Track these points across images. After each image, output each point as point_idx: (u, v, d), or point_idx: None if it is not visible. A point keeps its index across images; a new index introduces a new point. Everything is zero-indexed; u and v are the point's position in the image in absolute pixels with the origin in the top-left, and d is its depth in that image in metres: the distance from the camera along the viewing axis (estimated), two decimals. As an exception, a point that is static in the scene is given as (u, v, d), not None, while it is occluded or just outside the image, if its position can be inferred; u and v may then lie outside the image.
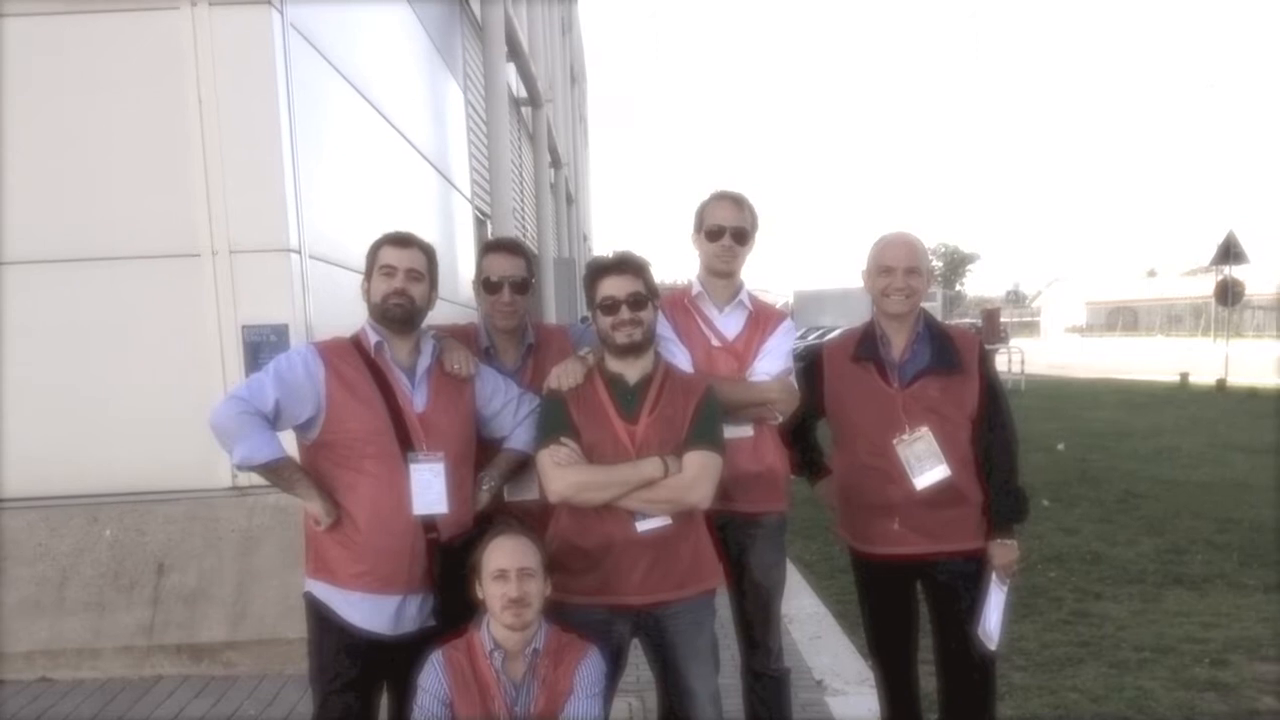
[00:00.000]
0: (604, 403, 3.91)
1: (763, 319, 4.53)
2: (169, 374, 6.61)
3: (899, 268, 4.28)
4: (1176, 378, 30.47)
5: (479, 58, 14.19)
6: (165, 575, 6.60)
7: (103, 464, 6.72)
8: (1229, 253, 28.68)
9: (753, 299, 4.59)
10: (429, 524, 3.88)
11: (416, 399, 3.95)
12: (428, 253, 4.06)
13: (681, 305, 4.52)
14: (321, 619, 3.91)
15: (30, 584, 6.54)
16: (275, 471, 3.79)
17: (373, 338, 3.95)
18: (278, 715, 5.92)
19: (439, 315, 4.26)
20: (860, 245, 4.60)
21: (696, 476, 3.82)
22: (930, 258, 4.71)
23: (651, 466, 3.78)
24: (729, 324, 4.50)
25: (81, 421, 6.69)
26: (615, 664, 3.99)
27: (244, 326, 6.53)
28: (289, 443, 3.89)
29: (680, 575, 3.93)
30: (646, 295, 3.90)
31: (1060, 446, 16.25)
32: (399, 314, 3.91)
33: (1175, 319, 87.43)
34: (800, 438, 4.71)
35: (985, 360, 4.42)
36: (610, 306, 3.86)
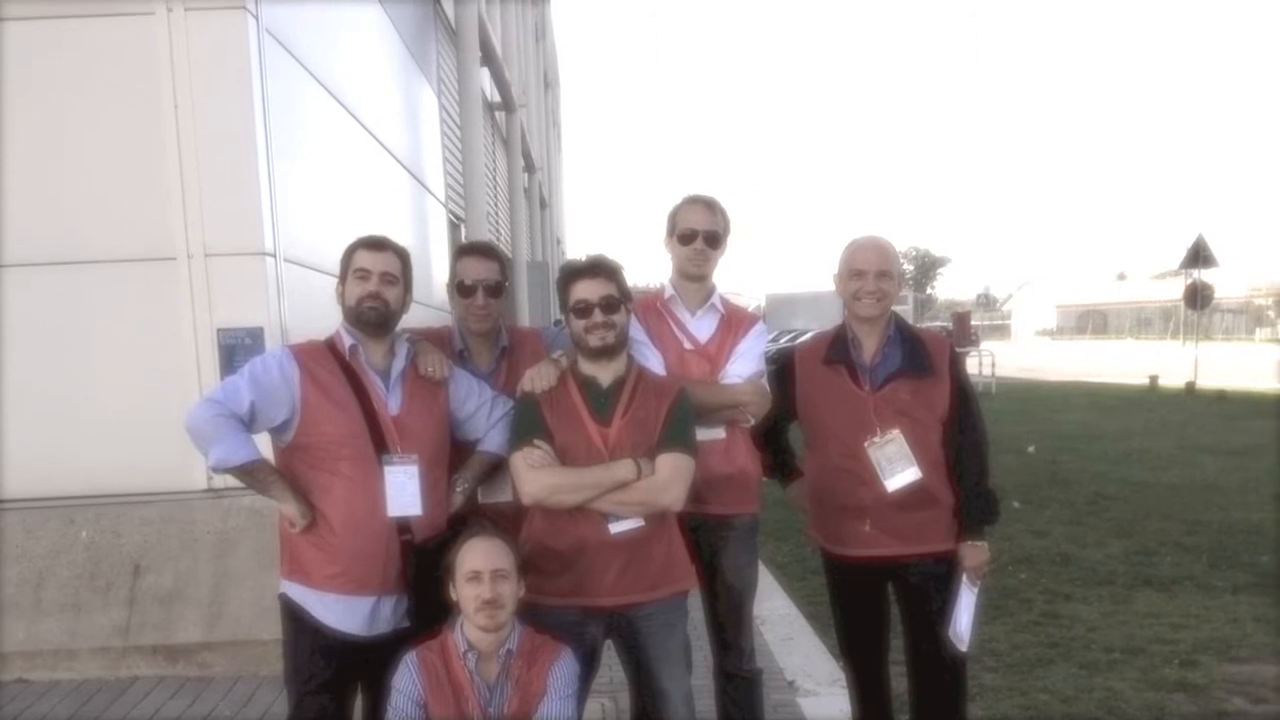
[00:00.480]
0: (577, 405, 3.93)
1: (735, 322, 4.54)
2: (145, 377, 6.62)
3: (870, 271, 4.29)
4: (1146, 380, 30.71)
5: (453, 63, 14.20)
6: (141, 577, 6.60)
7: (79, 466, 6.72)
8: (1198, 256, 28.89)
9: (725, 302, 4.60)
10: (403, 526, 3.89)
11: (391, 402, 3.96)
12: (402, 256, 4.07)
13: (654, 308, 4.53)
14: (296, 620, 3.92)
15: (7, 585, 6.53)
16: (250, 474, 3.80)
17: (347, 341, 3.96)
18: (253, 716, 5.92)
19: (413, 318, 4.27)
20: (832, 249, 4.63)
21: (669, 479, 3.84)
22: (901, 261, 4.74)
23: (624, 469, 3.81)
24: (701, 327, 4.51)
25: (58, 424, 6.69)
26: (588, 665, 4.00)
27: (219, 330, 6.53)
28: (264, 445, 3.90)
29: (653, 577, 3.95)
30: (619, 299, 3.93)
31: (1031, 449, 16.33)
32: (373, 317, 3.92)
33: (1145, 322, 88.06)
34: (772, 440, 4.72)
35: (956, 363, 4.44)
36: (583, 310, 3.89)
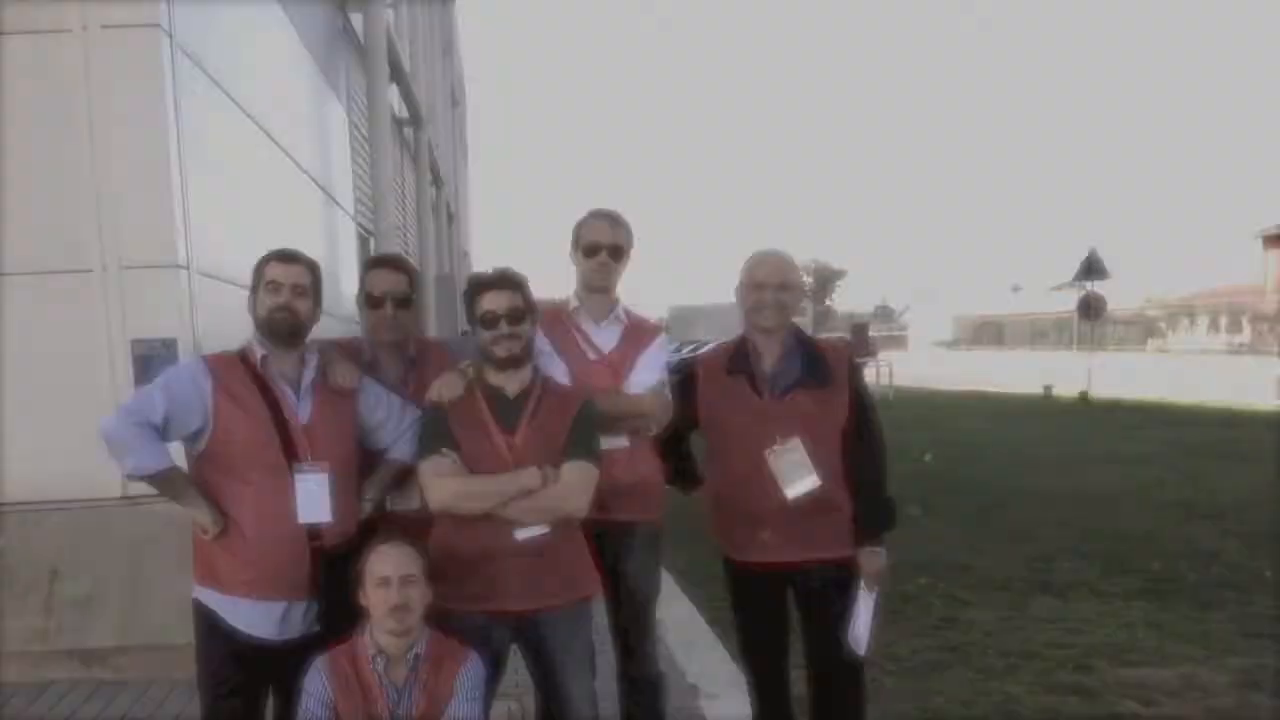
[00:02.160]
0: (483, 415, 4.00)
1: (638, 333, 4.64)
2: (61, 386, 6.57)
3: (770, 283, 4.38)
4: (1041, 390, 31.06)
5: (362, 79, 14.11)
6: (58, 582, 6.58)
7: (-5, 474, 6.68)
8: (1091, 269, 29.40)
9: (628, 314, 4.69)
10: (313, 532, 3.94)
11: (301, 411, 4.02)
12: (312, 269, 4.13)
13: (559, 320, 4.60)
14: (209, 625, 3.97)
15: (-72, 593, 6.47)
16: (164, 481, 3.86)
17: (259, 351, 4.01)
18: (166, 718, 5.93)
19: (322, 329, 4.31)
20: (733, 262, 4.72)
21: (574, 487, 3.92)
22: (801, 274, 4.83)
23: (530, 477, 3.87)
24: (605, 338, 4.60)
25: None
26: (495, 669, 4.07)
27: (134, 340, 6.48)
28: (178, 454, 3.95)
29: (558, 583, 4.03)
30: (525, 310, 4.02)
31: (928, 457, 16.36)
32: (284, 328, 3.98)
33: (1040, 333, 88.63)
34: (674, 448, 4.78)
35: (855, 373, 4.52)
36: (490, 321, 3.97)
